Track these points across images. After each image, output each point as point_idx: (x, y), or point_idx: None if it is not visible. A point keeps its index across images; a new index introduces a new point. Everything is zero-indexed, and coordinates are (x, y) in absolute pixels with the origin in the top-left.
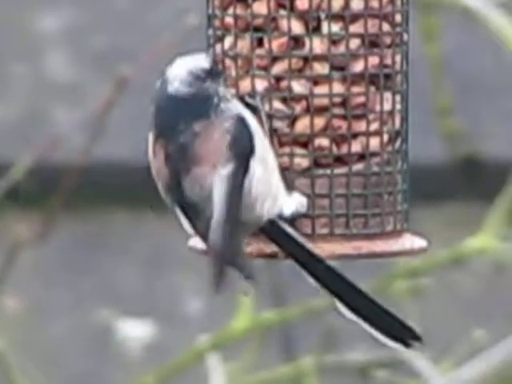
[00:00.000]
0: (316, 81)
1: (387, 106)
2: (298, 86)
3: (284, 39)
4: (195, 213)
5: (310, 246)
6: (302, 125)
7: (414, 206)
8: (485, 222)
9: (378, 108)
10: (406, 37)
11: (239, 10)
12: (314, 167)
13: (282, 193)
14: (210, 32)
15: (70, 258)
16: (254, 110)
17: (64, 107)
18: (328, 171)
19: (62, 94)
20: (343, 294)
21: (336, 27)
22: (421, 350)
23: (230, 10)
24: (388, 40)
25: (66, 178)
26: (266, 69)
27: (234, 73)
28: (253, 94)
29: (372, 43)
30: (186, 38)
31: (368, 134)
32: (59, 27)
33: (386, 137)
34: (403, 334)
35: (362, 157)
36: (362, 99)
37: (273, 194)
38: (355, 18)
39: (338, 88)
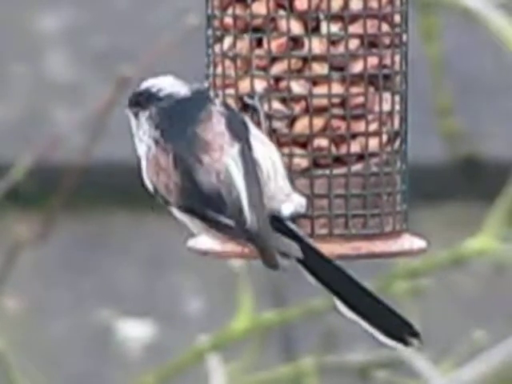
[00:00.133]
0: (315, 81)
1: (386, 107)
2: (297, 87)
3: (283, 39)
4: (218, 202)
5: (310, 241)
6: (301, 125)
7: (413, 206)
8: (485, 222)
9: (377, 108)
10: (405, 37)
11: (238, 11)
12: (313, 167)
13: (286, 181)
14: (209, 32)
15: (70, 258)
16: (254, 110)
17: (64, 107)
18: (327, 171)
19: (62, 94)
20: (343, 291)
21: (335, 27)
22: (420, 348)
23: (230, 11)
24: (387, 40)
25: (66, 178)
26: (265, 69)
27: (233, 73)
28: (252, 94)
29: (371, 44)
30: (186, 38)
31: (367, 135)
32: (59, 27)
33: (385, 137)
34: (402, 331)
35: (361, 157)
36: (361, 100)
37: (279, 172)
38: (354, 18)
39: (337, 88)
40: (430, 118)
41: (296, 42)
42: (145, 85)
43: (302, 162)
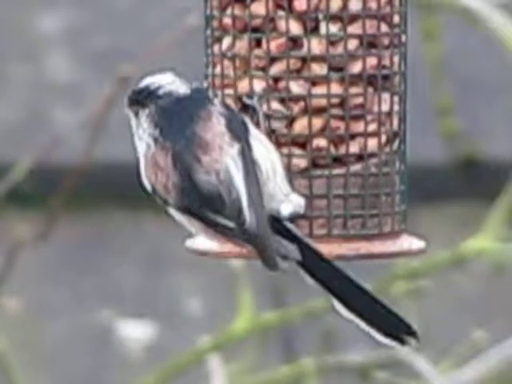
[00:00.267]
0: (314, 81)
1: (385, 107)
2: (296, 87)
3: (282, 40)
4: (218, 202)
5: (309, 241)
6: (300, 125)
7: (413, 207)
8: (485, 222)
9: (376, 109)
10: (404, 38)
11: (237, 11)
12: (312, 168)
13: (285, 182)
14: (208, 32)
15: (70, 258)
16: (253, 110)
17: (64, 107)
18: (326, 172)
19: (61, 94)
20: (341, 292)
21: (334, 28)
22: (418, 348)
23: (228, 11)
24: (386, 41)
25: (66, 178)
26: (264, 69)
27: (232, 73)
28: (251, 94)
29: (370, 44)
30: (186, 38)
31: (366, 135)
32: (59, 27)
33: (383, 138)
34: (400, 331)
35: (359, 157)
36: (360, 100)
37: (278, 172)
38: (353, 18)
39: (336, 89)
40: (429, 118)
41: (295, 42)
42: (144, 82)
43: (300, 162)
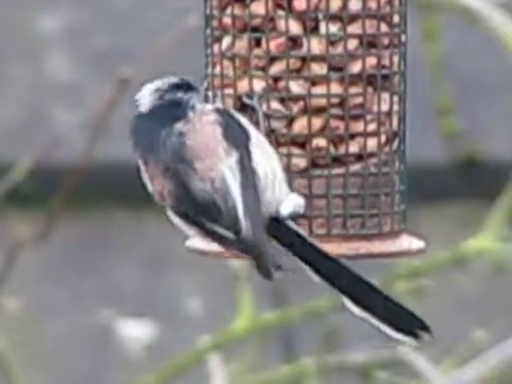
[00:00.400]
0: (314, 81)
1: (385, 107)
2: (296, 87)
3: (282, 39)
4: (213, 211)
5: (314, 241)
6: (300, 125)
7: (413, 206)
8: (485, 222)
9: (375, 109)
10: (403, 37)
11: (237, 11)
12: (312, 168)
13: (285, 186)
14: (208, 32)
15: (71, 258)
16: (252, 110)
17: (64, 107)
18: (325, 172)
19: (62, 94)
20: (349, 289)
21: (334, 28)
22: (431, 342)
23: (228, 11)
24: (386, 41)
25: (67, 178)
26: (263, 69)
27: (231, 73)
28: (251, 94)
29: (370, 44)
30: (186, 38)
31: (366, 135)
32: (59, 27)
33: (383, 137)
34: (412, 326)
35: (359, 157)
36: (359, 100)
37: (279, 181)
38: (353, 18)
39: (335, 88)
40: (429, 118)
41: (295, 42)
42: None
43: (300, 161)
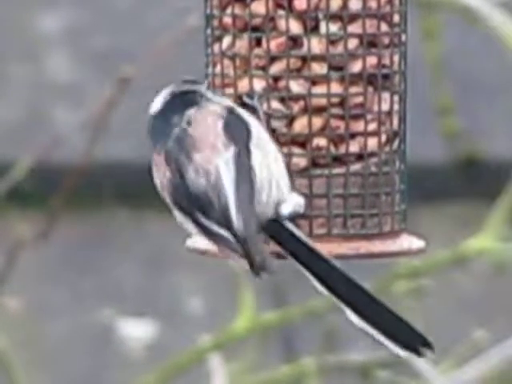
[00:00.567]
0: (314, 81)
1: (385, 107)
2: (296, 86)
3: (282, 39)
4: (206, 204)
5: (316, 246)
6: (300, 125)
7: (413, 206)
8: (485, 222)
9: (375, 108)
10: (404, 37)
11: (237, 10)
12: (312, 167)
13: (286, 187)
14: (209, 32)
15: (71, 257)
16: (253, 109)
17: (64, 107)
18: (326, 171)
19: (62, 94)
20: (350, 298)
21: (334, 27)
22: (433, 359)
23: (229, 10)
24: (386, 40)
25: (67, 177)
26: (264, 69)
27: (232, 73)
28: (251, 93)
29: (370, 43)
30: (186, 38)
31: (366, 134)
32: (59, 27)
33: (383, 137)
34: (415, 342)
35: (359, 157)
36: (360, 99)
37: (276, 183)
38: (353, 18)
39: (336, 88)
40: (430, 118)
41: (295, 41)
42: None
43: (300, 161)
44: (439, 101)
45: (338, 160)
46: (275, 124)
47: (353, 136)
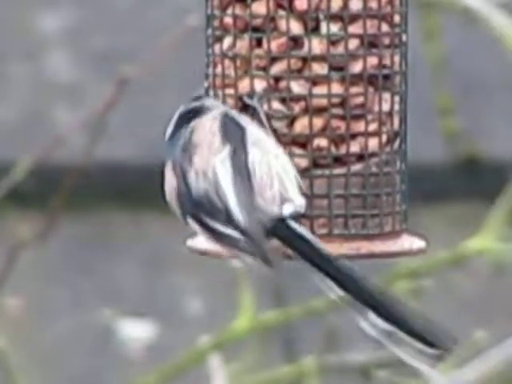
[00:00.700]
0: (315, 81)
1: (386, 107)
2: (297, 87)
3: (283, 39)
4: (209, 206)
5: (323, 246)
6: (301, 125)
7: (414, 206)
8: (485, 222)
9: (376, 108)
10: (404, 37)
11: (238, 10)
12: (313, 167)
13: (291, 183)
14: (209, 32)
15: (71, 258)
16: (253, 110)
17: (64, 107)
18: (327, 171)
19: (62, 94)
20: (371, 301)
21: (335, 28)
22: (455, 350)
23: (229, 10)
24: (387, 40)
25: (67, 178)
26: (264, 69)
27: (232, 73)
28: (251, 94)
29: (371, 44)
30: (186, 38)
31: (367, 135)
32: (59, 27)
33: (384, 137)
34: (436, 336)
35: (360, 157)
36: (360, 100)
37: (279, 179)
38: (354, 18)
39: (336, 88)
40: (430, 118)
41: (296, 41)
42: None
43: (301, 161)
44: (439, 101)
45: (339, 160)
46: (276, 124)
47: (353, 136)
